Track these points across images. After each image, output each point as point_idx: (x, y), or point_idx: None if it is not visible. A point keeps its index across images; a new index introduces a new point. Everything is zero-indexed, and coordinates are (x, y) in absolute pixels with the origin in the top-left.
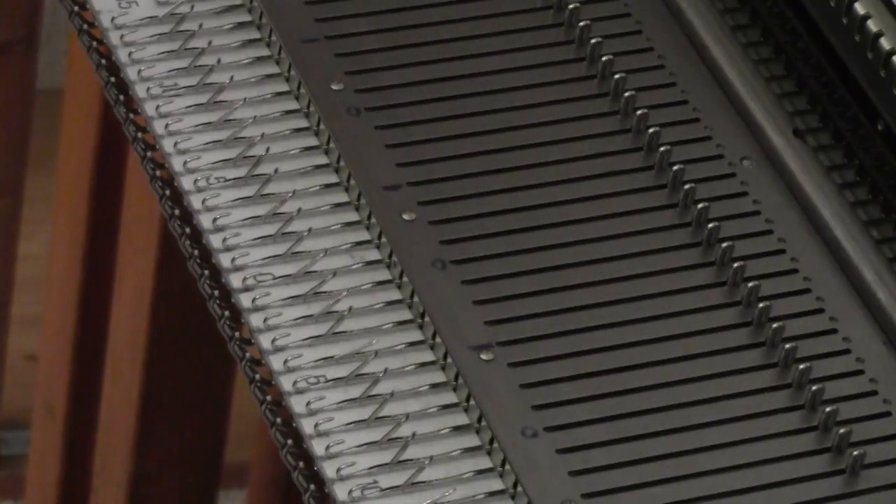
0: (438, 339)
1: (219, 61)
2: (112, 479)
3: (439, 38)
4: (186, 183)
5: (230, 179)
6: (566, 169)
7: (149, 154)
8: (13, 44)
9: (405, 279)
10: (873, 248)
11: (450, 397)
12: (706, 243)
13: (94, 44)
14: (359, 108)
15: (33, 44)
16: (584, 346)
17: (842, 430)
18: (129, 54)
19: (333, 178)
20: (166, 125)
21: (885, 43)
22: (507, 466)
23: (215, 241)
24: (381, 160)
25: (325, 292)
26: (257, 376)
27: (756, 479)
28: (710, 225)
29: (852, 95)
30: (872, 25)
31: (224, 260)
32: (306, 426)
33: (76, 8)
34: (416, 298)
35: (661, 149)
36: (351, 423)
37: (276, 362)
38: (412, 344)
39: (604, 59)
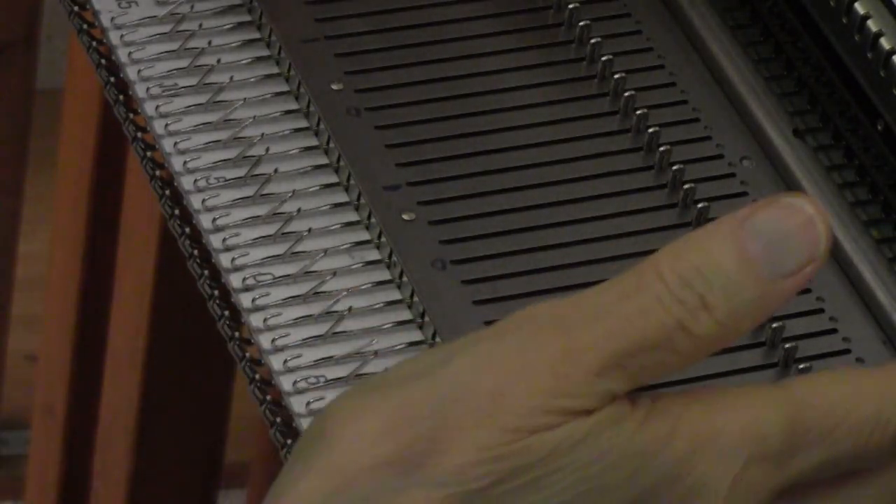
0: (438, 340)
1: (219, 61)
2: (112, 479)
3: (439, 38)
4: (186, 183)
5: (230, 179)
6: (566, 169)
7: (149, 154)
8: (13, 44)
9: (405, 279)
10: (873, 248)
11: None
12: None
13: (94, 44)
14: (359, 108)
15: (33, 44)
16: None
17: None
18: (129, 54)
19: (333, 178)
20: (166, 125)
21: (885, 43)
22: None
23: (215, 241)
24: (381, 160)
25: (324, 292)
26: (257, 376)
27: None
28: None
29: (852, 95)
30: (872, 25)
31: (224, 260)
32: (306, 426)
33: (76, 8)
34: (416, 298)
35: (661, 149)
36: None
37: (275, 362)
38: (412, 344)
39: (604, 59)
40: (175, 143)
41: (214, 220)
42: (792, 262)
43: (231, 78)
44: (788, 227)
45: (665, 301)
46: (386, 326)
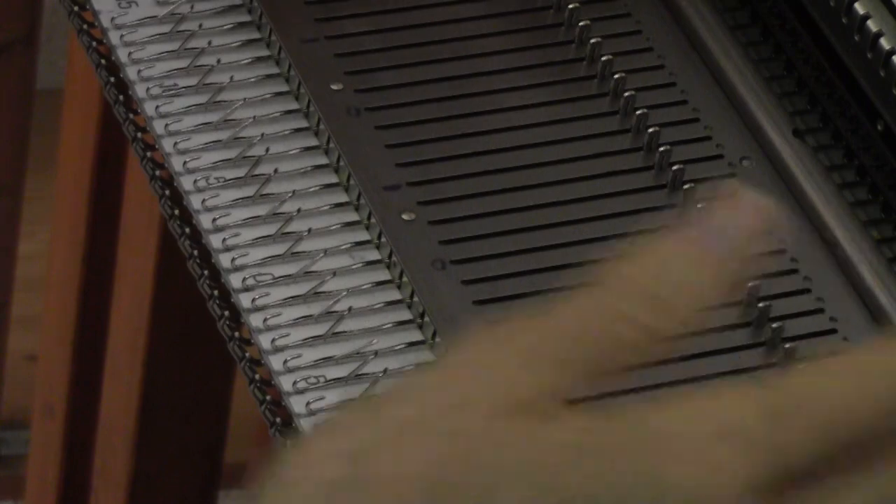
0: (438, 339)
1: (219, 61)
2: (112, 479)
3: (439, 38)
4: (186, 183)
5: (230, 179)
6: (566, 169)
7: (148, 154)
8: (13, 44)
9: (405, 279)
10: (873, 248)
11: None
12: None
13: (94, 44)
14: (359, 108)
15: (33, 44)
16: None
17: None
18: (129, 54)
19: (333, 178)
20: (166, 125)
21: (885, 43)
22: None
23: (215, 241)
24: (381, 160)
25: (324, 292)
26: (257, 376)
27: None
28: None
29: (852, 95)
30: (872, 25)
31: (224, 260)
32: (306, 426)
33: (76, 8)
34: (416, 298)
35: (661, 149)
36: None
37: (275, 362)
38: (412, 344)
39: (604, 59)
40: (175, 143)
41: (214, 220)
42: (731, 242)
43: (231, 78)
44: (722, 211)
45: (607, 297)
46: (386, 326)
